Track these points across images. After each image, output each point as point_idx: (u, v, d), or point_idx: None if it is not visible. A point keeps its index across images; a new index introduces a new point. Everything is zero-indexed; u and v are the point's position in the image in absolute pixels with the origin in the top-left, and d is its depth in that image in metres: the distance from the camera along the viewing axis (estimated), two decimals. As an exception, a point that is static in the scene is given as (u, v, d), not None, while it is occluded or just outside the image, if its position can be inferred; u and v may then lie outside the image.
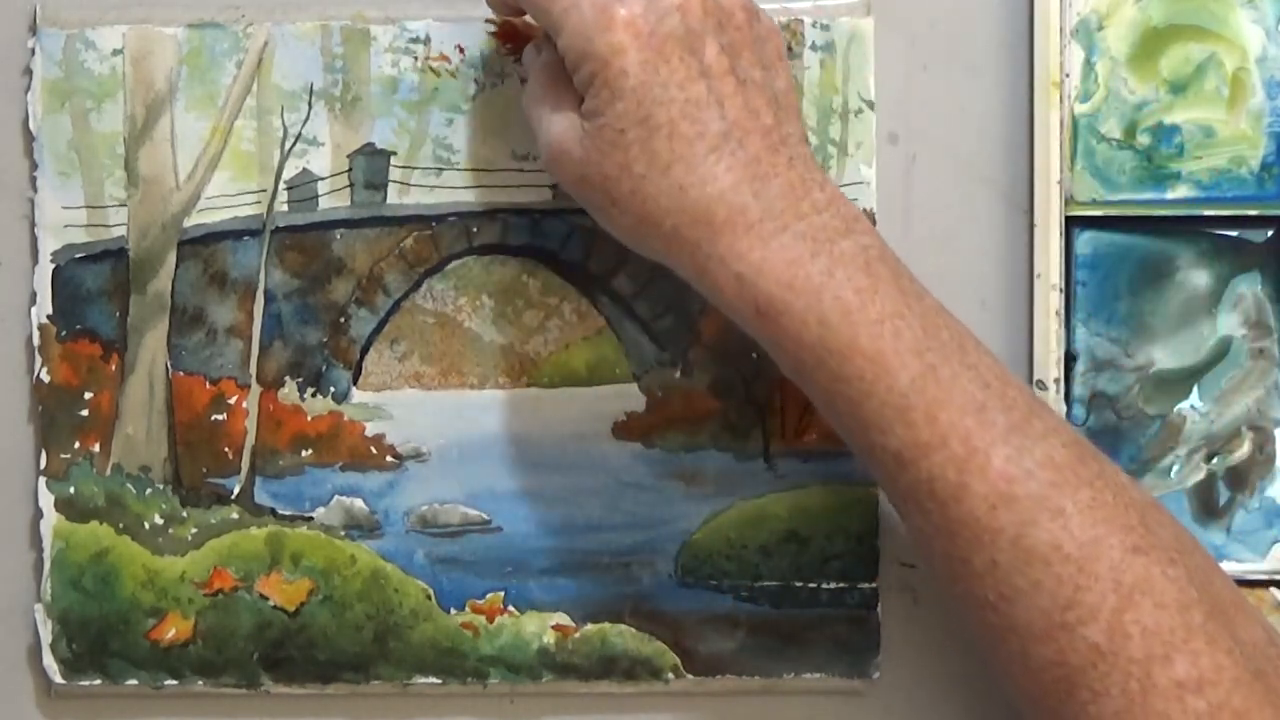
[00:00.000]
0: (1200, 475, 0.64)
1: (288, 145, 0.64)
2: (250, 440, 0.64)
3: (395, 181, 0.64)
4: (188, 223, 0.64)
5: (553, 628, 0.64)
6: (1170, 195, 0.63)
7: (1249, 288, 0.64)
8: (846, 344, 0.52)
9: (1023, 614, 0.51)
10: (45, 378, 0.64)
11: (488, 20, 0.63)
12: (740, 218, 0.53)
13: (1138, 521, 0.51)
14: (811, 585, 0.64)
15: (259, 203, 0.64)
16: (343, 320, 0.64)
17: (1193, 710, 0.48)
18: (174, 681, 0.64)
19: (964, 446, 0.51)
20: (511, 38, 0.63)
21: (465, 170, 0.64)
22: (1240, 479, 0.64)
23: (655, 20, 0.52)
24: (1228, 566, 0.63)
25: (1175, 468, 0.64)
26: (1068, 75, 0.63)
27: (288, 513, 0.64)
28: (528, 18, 0.59)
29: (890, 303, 0.53)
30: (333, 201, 0.64)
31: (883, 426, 0.52)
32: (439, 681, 0.64)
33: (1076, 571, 0.50)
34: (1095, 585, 0.50)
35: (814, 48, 0.63)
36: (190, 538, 0.64)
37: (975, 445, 0.51)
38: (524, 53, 0.61)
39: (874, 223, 0.63)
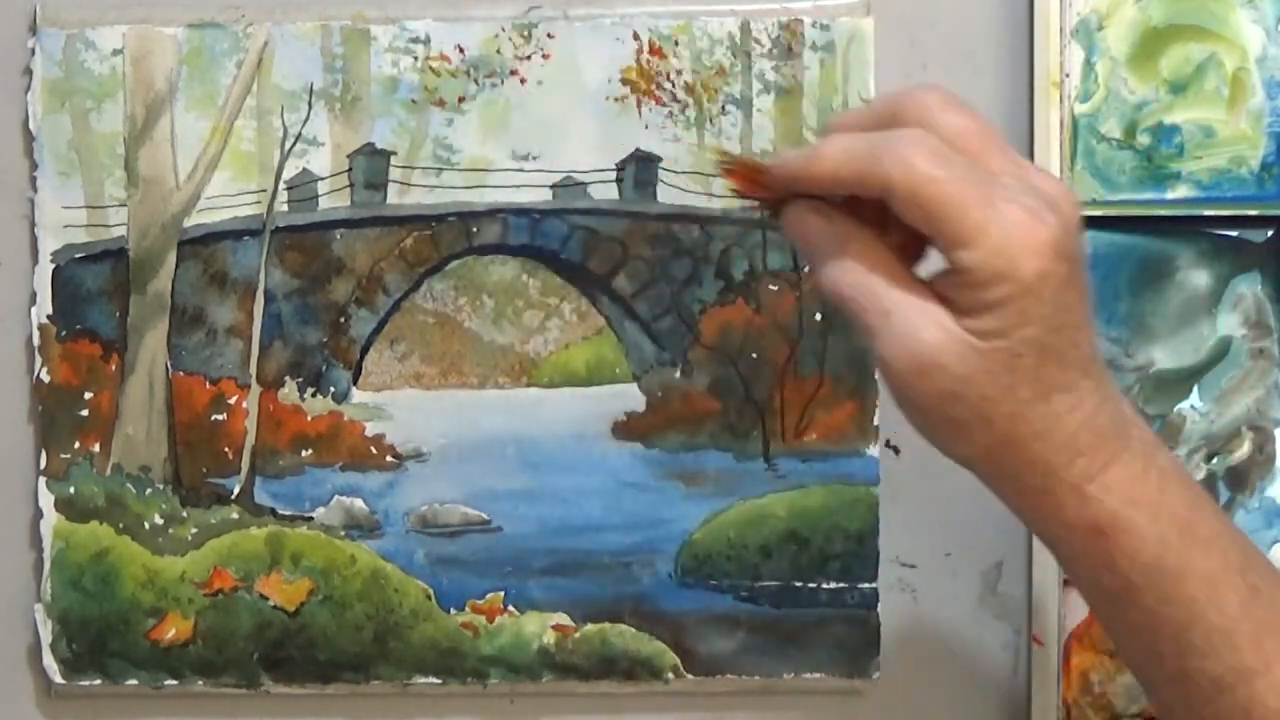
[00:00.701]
0: (1200, 475, 0.64)
1: (288, 145, 0.64)
2: (250, 440, 0.64)
3: (395, 181, 0.64)
4: (188, 223, 0.64)
5: (553, 628, 0.64)
6: (1170, 195, 0.63)
7: (1249, 288, 0.64)
8: (1182, 564, 0.50)
9: None
10: (45, 378, 0.64)
11: (722, 160, 0.51)
12: (1099, 440, 0.50)
13: None
14: (811, 585, 0.64)
15: (259, 203, 0.64)
16: (343, 320, 0.64)
17: None
18: (174, 681, 0.64)
19: None
20: (760, 190, 0.51)
21: (465, 170, 0.64)
22: (1240, 479, 0.64)
23: (1068, 240, 0.48)
24: (1228, 566, 0.63)
25: (1175, 468, 0.64)
26: (1068, 75, 0.63)
27: (288, 513, 0.64)
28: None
29: (1214, 520, 0.51)
30: (333, 201, 0.64)
31: (1207, 651, 0.50)
32: (439, 681, 0.64)
33: None
34: None
35: (814, 48, 0.63)
36: (190, 538, 0.64)
37: None
38: (787, 213, 0.50)
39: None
